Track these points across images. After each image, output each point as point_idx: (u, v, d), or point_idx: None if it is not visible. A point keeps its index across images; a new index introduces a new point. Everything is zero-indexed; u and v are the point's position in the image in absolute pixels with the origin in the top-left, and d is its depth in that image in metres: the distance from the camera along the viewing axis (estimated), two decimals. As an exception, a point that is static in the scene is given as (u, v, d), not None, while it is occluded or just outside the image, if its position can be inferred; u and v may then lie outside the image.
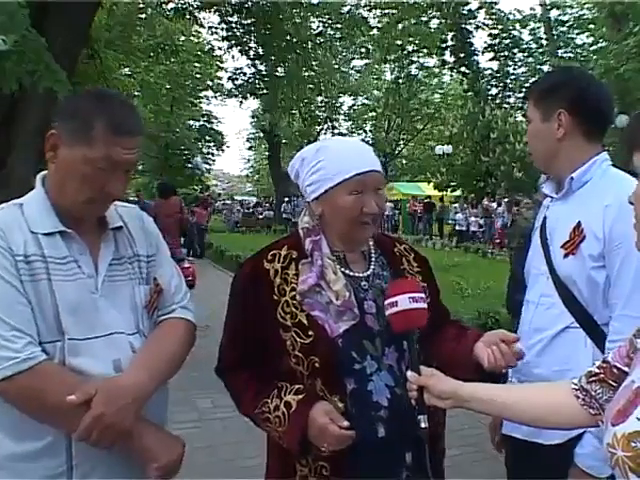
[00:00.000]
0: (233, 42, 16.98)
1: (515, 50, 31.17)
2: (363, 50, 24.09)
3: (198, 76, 31.70)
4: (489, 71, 31.30)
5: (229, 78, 23.29)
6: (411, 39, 27.16)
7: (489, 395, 1.33)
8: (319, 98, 33.15)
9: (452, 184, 27.27)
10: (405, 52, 30.73)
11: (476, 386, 1.35)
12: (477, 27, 30.49)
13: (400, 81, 35.54)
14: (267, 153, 37.82)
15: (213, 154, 42.01)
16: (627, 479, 1.02)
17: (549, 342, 1.75)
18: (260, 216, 31.19)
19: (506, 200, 20.44)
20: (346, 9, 17.93)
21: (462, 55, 30.02)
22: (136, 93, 17.24)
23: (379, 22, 22.49)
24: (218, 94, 34.70)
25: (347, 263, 1.63)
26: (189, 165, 36.59)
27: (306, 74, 18.21)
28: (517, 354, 1.47)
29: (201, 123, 38.98)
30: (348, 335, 1.54)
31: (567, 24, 30.27)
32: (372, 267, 1.66)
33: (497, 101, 29.45)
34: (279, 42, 15.03)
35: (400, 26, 23.75)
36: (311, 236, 1.61)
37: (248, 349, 1.60)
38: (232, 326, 1.65)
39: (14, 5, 3.89)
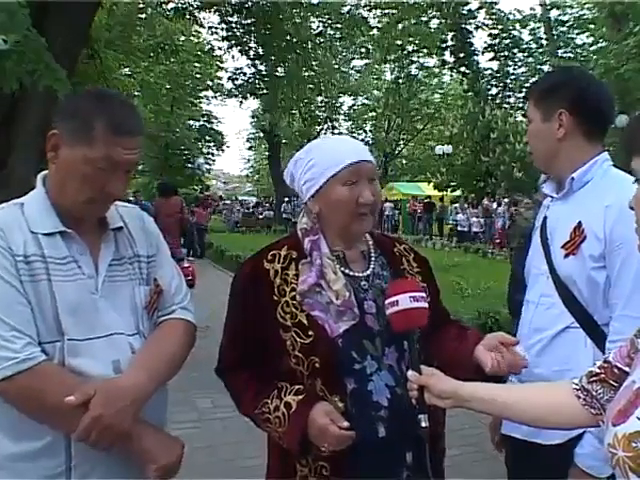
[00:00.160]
0: (233, 42, 16.99)
1: (515, 50, 31.20)
2: (363, 50, 24.12)
3: (198, 76, 31.72)
4: (489, 71, 31.33)
5: (229, 78, 23.31)
6: (411, 39, 27.17)
7: (489, 395, 1.33)
8: (319, 98, 33.18)
9: (452, 184, 27.28)
10: (405, 52, 30.76)
11: (476, 386, 1.35)
12: (477, 27, 30.52)
13: (400, 81, 35.56)
14: (267, 153, 37.83)
15: (213, 154, 42.05)
16: (627, 479, 1.02)
17: (549, 342, 1.75)
18: (260, 216, 31.19)
19: (506, 200, 20.47)
20: (346, 9, 17.94)
21: (462, 55, 30.03)
22: (136, 93, 17.24)
23: (379, 22, 22.50)
24: (218, 94, 34.75)
25: (347, 263, 1.63)
26: (189, 165, 36.60)
27: (306, 74, 18.22)
28: (522, 362, 1.48)
29: (201, 123, 38.99)
30: (348, 335, 1.54)
31: (567, 24, 30.29)
32: (372, 267, 1.66)
33: (497, 101, 29.48)
34: (279, 42, 15.03)
35: (400, 26, 23.75)
36: (310, 236, 1.62)
37: (248, 349, 1.60)
38: (232, 326, 1.65)
39: (14, 5, 3.89)
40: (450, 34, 29.64)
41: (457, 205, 23.95)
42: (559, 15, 30.49)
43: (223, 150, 42.81)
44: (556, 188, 1.88)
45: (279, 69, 17.67)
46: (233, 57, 38.31)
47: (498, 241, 19.69)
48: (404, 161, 44.83)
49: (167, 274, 1.62)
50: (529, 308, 1.86)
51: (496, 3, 29.97)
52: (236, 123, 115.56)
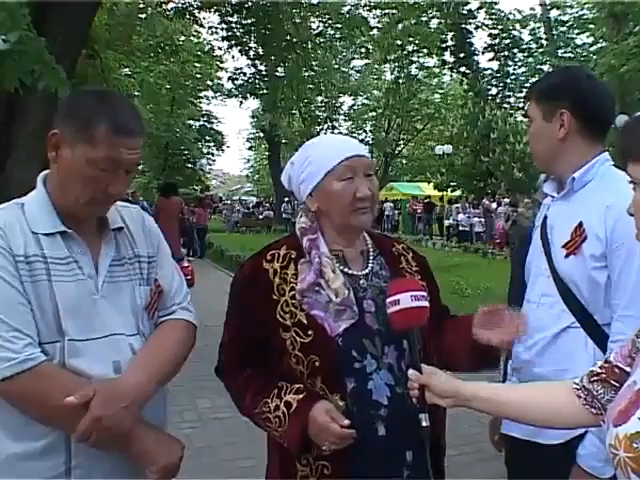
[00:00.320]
0: (233, 42, 17.02)
1: (515, 50, 31.22)
2: (363, 50, 24.10)
3: (198, 76, 31.75)
4: (489, 71, 31.35)
5: (229, 78, 23.37)
6: (411, 39, 27.19)
7: (490, 394, 1.33)
8: (319, 98, 33.19)
9: (452, 184, 27.31)
10: (405, 52, 30.75)
11: (477, 385, 1.35)
12: (477, 27, 30.55)
13: (400, 81, 35.53)
14: (267, 153, 37.83)
15: (213, 154, 42.07)
16: (629, 480, 1.02)
17: (550, 342, 1.75)
18: (260, 216, 31.21)
19: (506, 200, 20.47)
20: (346, 9, 17.97)
21: (462, 55, 30.07)
22: (136, 93, 17.22)
23: (379, 22, 22.53)
24: (218, 94, 34.80)
25: (345, 261, 1.63)
26: (189, 165, 36.62)
27: (306, 74, 18.25)
28: (522, 322, 1.50)
29: (201, 123, 39.02)
30: (348, 334, 1.54)
31: (567, 24, 30.31)
32: (370, 265, 1.66)
33: (497, 101, 29.48)
34: (279, 42, 15.05)
35: (400, 26, 23.79)
36: (308, 235, 1.62)
37: (248, 349, 1.60)
38: (231, 326, 1.65)
39: (14, 4, 3.89)
40: (450, 34, 29.66)
41: (459, 205, 23.93)
42: (559, 15, 30.52)
43: (223, 150, 42.87)
44: (556, 188, 1.88)
45: (279, 69, 17.70)
46: (233, 57, 38.34)
47: (498, 241, 19.69)
48: (404, 161, 44.84)
49: (167, 274, 1.62)
50: (529, 308, 1.85)
51: (496, 3, 30.01)
52: (236, 123, 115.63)
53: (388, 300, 1.42)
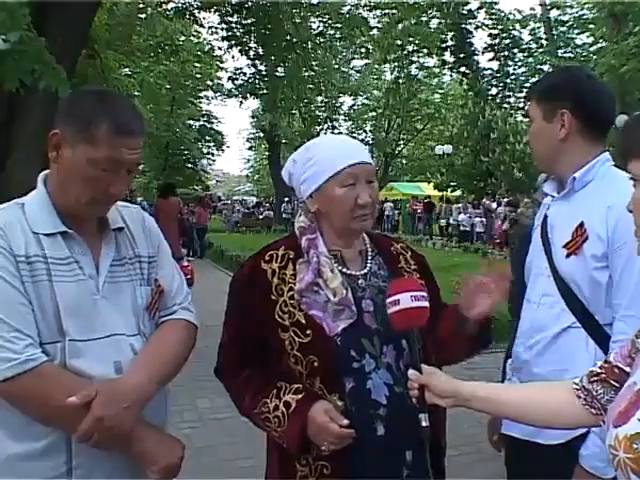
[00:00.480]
0: (233, 42, 17.03)
1: (515, 50, 31.23)
2: (363, 50, 24.10)
3: (198, 76, 31.76)
4: (489, 71, 31.35)
5: (229, 78, 23.37)
6: (411, 39, 27.19)
7: (489, 394, 1.34)
8: (319, 98, 33.17)
9: (452, 184, 27.31)
10: (405, 52, 30.74)
11: (477, 385, 1.35)
12: (477, 27, 30.55)
13: (400, 81, 35.52)
14: (267, 153, 37.82)
15: (213, 154, 42.07)
16: (629, 480, 1.02)
17: (550, 341, 1.75)
18: (260, 216, 31.20)
19: (507, 200, 20.47)
20: (346, 9, 17.98)
21: (462, 55, 30.07)
22: (136, 93, 17.22)
23: (379, 22, 22.53)
24: (218, 94, 34.78)
25: (344, 261, 1.64)
26: (189, 165, 36.60)
27: (306, 74, 18.25)
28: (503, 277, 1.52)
29: (201, 123, 39.01)
30: (346, 334, 1.54)
31: (567, 24, 30.32)
32: (369, 265, 1.66)
33: (497, 101, 29.48)
34: (279, 42, 15.05)
35: (400, 26, 23.79)
36: (307, 234, 1.62)
37: (246, 349, 1.60)
38: (231, 326, 1.66)
39: (14, 4, 3.89)
40: (450, 34, 29.67)
41: (460, 205, 23.93)
42: (559, 15, 30.52)
43: (223, 150, 42.86)
44: (557, 187, 1.88)
45: (279, 69, 17.71)
46: (233, 57, 38.33)
47: (498, 241, 19.68)
48: (404, 161, 44.84)
49: (168, 274, 1.62)
50: (530, 307, 1.85)
51: (496, 3, 30.02)
52: (236, 123, 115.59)
53: (388, 300, 1.42)
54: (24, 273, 1.37)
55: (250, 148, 52.88)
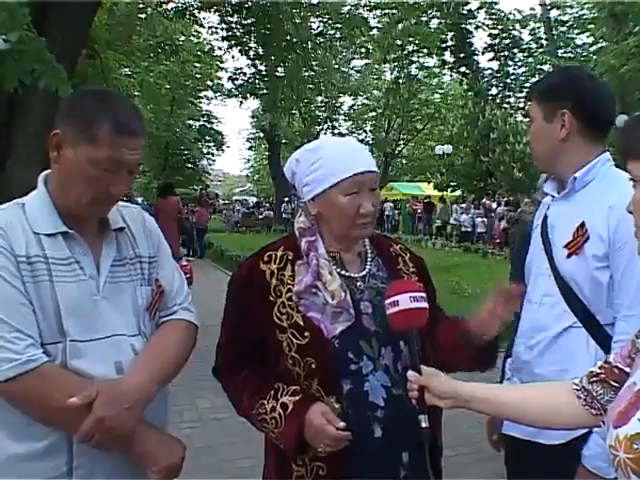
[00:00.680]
0: (233, 42, 17.02)
1: (515, 50, 31.23)
2: (363, 50, 24.08)
3: (198, 76, 31.76)
4: (489, 71, 31.35)
5: (229, 78, 23.36)
6: (411, 39, 27.15)
7: (489, 395, 1.33)
8: (319, 98, 33.15)
9: (452, 184, 27.29)
10: (405, 52, 30.72)
11: (476, 386, 1.35)
12: (477, 27, 30.56)
13: (400, 81, 35.51)
14: (267, 153, 37.80)
15: (213, 154, 42.07)
16: (629, 481, 1.02)
17: (551, 342, 1.75)
18: (260, 216, 31.20)
19: (505, 200, 20.47)
20: (346, 9, 17.96)
21: (462, 55, 30.08)
22: (136, 93, 17.22)
23: (379, 22, 22.49)
24: (218, 94, 34.77)
25: (343, 264, 1.63)
26: (189, 165, 36.60)
27: (306, 74, 18.24)
28: (513, 291, 1.54)
29: (201, 123, 39.01)
30: (344, 336, 1.54)
31: (567, 24, 30.31)
32: (368, 267, 1.66)
33: (497, 101, 29.48)
34: (279, 42, 15.04)
35: (400, 26, 23.76)
36: (307, 236, 1.62)
37: (244, 349, 1.60)
38: (228, 327, 1.65)
39: (14, 4, 3.89)
40: (450, 34, 29.66)
41: (464, 205, 23.91)
42: (559, 15, 30.52)
43: (223, 150, 42.87)
44: (557, 187, 1.88)
45: (279, 69, 17.69)
46: (233, 57, 38.35)
47: (498, 241, 19.69)
48: (404, 161, 44.82)
49: (168, 274, 1.62)
50: (531, 308, 1.85)
51: (496, 3, 30.03)
52: (236, 123, 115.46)
53: (387, 301, 1.42)
54: (25, 273, 1.37)
55: (250, 148, 52.89)
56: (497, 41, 30.72)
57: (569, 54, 29.65)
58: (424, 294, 1.43)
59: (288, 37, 15.14)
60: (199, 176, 38.77)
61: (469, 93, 30.00)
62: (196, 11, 15.91)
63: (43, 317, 1.37)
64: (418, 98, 37.35)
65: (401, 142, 40.08)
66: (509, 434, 1.83)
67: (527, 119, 1.94)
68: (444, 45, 29.91)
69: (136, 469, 1.43)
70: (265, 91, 19.40)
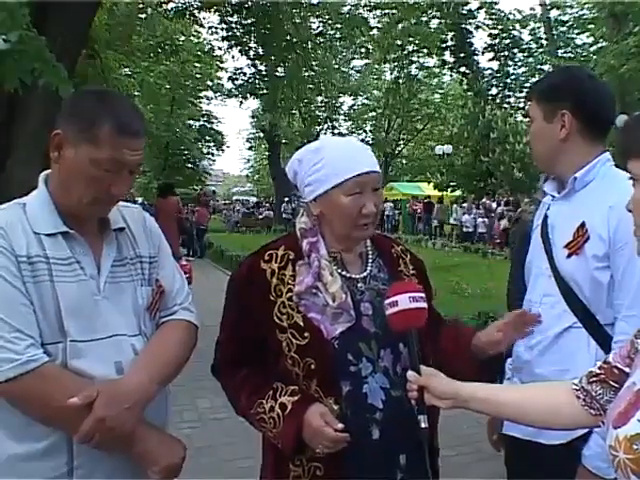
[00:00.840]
0: (233, 42, 17.01)
1: (515, 50, 31.22)
2: (363, 50, 24.05)
3: (198, 76, 31.75)
4: (489, 71, 31.35)
5: (229, 78, 23.33)
6: (411, 39, 27.12)
7: (488, 395, 1.33)
8: (319, 98, 33.13)
9: (452, 184, 27.29)
10: (405, 52, 30.70)
11: (476, 386, 1.35)
12: (477, 27, 30.56)
13: (400, 81, 35.50)
14: (267, 153, 37.80)
15: (213, 154, 42.05)
16: (629, 481, 1.02)
17: (551, 342, 1.75)
18: (260, 216, 31.19)
19: (505, 200, 20.45)
20: (346, 9, 17.94)
21: (462, 55, 30.08)
22: (136, 93, 17.22)
23: (379, 22, 22.47)
24: (218, 94, 34.75)
25: (344, 264, 1.63)
26: (189, 165, 36.59)
27: (306, 74, 18.23)
28: (530, 318, 1.59)
29: (201, 123, 38.99)
30: (344, 337, 1.54)
31: (567, 24, 30.29)
32: (369, 268, 1.66)
33: (497, 101, 29.48)
34: (279, 42, 15.03)
35: (400, 26, 23.73)
36: (308, 237, 1.61)
37: (244, 349, 1.60)
38: (228, 325, 1.65)
39: (14, 4, 3.89)
40: (450, 34, 29.65)
41: (465, 205, 23.90)
42: (559, 15, 30.50)
43: (223, 150, 42.85)
44: (557, 187, 1.88)
45: (279, 69, 17.68)
46: (233, 57, 38.39)
47: (498, 241, 19.68)
48: (404, 161, 44.81)
49: (169, 274, 1.62)
50: (531, 308, 1.85)
51: (496, 3, 30.03)
52: (236, 123, 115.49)
53: (386, 302, 1.43)
54: (25, 273, 1.37)
55: (250, 148, 52.85)
56: (497, 41, 30.72)
57: (569, 54, 29.64)
58: (423, 294, 1.44)
59: (288, 37, 15.13)
60: (199, 176, 38.75)
61: (469, 93, 30.02)
62: (196, 11, 15.89)
63: (43, 317, 1.37)
64: (418, 98, 37.35)
65: (401, 142, 40.08)
66: (509, 434, 1.83)
67: (527, 119, 1.93)
68: (444, 45, 29.90)
69: (136, 469, 1.43)
70: (265, 91, 19.39)
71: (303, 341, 1.52)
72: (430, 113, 37.35)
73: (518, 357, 1.87)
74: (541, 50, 30.54)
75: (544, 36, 30.24)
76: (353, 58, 32.45)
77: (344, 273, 1.61)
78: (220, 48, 22.09)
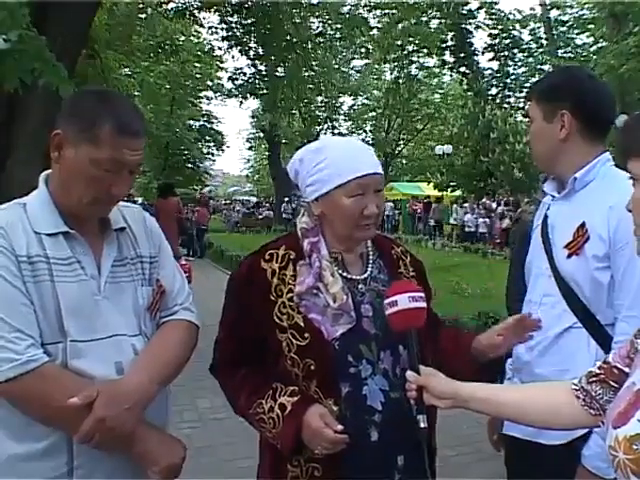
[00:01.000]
0: (233, 42, 16.99)
1: (515, 50, 31.23)
2: (363, 50, 24.04)
3: (198, 76, 31.74)
4: (489, 71, 31.36)
5: (229, 78, 23.31)
6: (411, 39, 27.13)
7: (488, 395, 1.33)
8: (319, 98, 33.10)
9: (452, 184, 27.29)
10: (405, 52, 30.70)
11: (475, 386, 1.35)
12: (477, 27, 30.56)
13: (400, 81, 35.49)
14: (267, 153, 37.78)
15: (213, 154, 42.04)
16: (629, 481, 1.02)
17: (551, 342, 1.75)
18: (260, 216, 31.18)
19: (505, 200, 20.45)
20: (346, 9, 17.92)
21: (462, 55, 30.09)
22: (136, 93, 17.21)
23: (379, 22, 22.48)
24: (218, 94, 34.74)
25: (345, 265, 1.63)
26: (189, 165, 36.58)
27: (306, 74, 18.21)
28: (531, 323, 1.58)
29: (201, 123, 38.96)
30: (344, 338, 1.53)
31: (567, 24, 30.29)
32: (369, 269, 1.65)
33: (497, 101, 29.48)
34: (279, 42, 15.01)
35: (400, 26, 23.75)
36: (309, 237, 1.61)
37: (243, 348, 1.60)
38: (227, 325, 1.65)
39: (14, 4, 3.88)
40: (450, 34, 29.66)
41: (466, 205, 23.90)
42: (559, 15, 30.50)
43: (223, 150, 42.81)
44: (557, 187, 1.88)
45: (279, 69, 17.66)
46: (233, 57, 38.38)
47: (498, 241, 19.67)
48: (404, 161, 44.80)
49: (169, 274, 1.62)
50: (531, 308, 1.85)
51: (496, 3, 30.03)
52: (236, 123, 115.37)
53: (386, 301, 1.43)
54: (26, 273, 1.37)
55: (250, 148, 52.81)
56: (497, 41, 30.72)
57: (569, 54, 29.63)
58: (423, 294, 1.44)
59: (288, 37, 15.11)
60: (199, 176, 38.75)
61: (469, 93, 30.01)
62: (196, 11, 15.88)
63: (44, 317, 1.37)
64: (418, 98, 37.34)
65: (401, 142, 40.06)
66: (509, 434, 1.84)
67: (527, 119, 1.94)
68: (444, 45, 29.91)
69: (136, 469, 1.43)
70: (265, 91, 19.37)
71: (303, 342, 1.52)
72: (430, 113, 37.34)
73: (518, 357, 1.87)
74: (541, 50, 30.54)
75: (544, 36, 30.24)
76: (353, 58, 32.44)
77: (345, 274, 1.61)
78: (220, 48, 22.08)
